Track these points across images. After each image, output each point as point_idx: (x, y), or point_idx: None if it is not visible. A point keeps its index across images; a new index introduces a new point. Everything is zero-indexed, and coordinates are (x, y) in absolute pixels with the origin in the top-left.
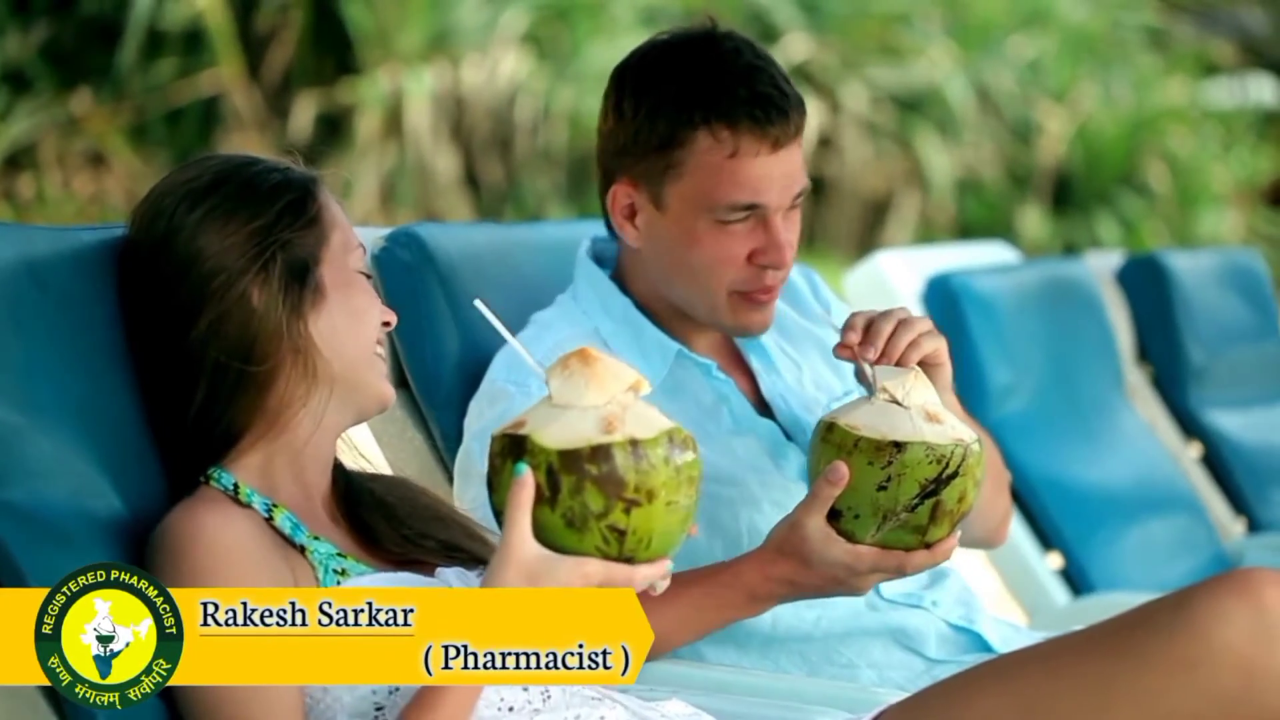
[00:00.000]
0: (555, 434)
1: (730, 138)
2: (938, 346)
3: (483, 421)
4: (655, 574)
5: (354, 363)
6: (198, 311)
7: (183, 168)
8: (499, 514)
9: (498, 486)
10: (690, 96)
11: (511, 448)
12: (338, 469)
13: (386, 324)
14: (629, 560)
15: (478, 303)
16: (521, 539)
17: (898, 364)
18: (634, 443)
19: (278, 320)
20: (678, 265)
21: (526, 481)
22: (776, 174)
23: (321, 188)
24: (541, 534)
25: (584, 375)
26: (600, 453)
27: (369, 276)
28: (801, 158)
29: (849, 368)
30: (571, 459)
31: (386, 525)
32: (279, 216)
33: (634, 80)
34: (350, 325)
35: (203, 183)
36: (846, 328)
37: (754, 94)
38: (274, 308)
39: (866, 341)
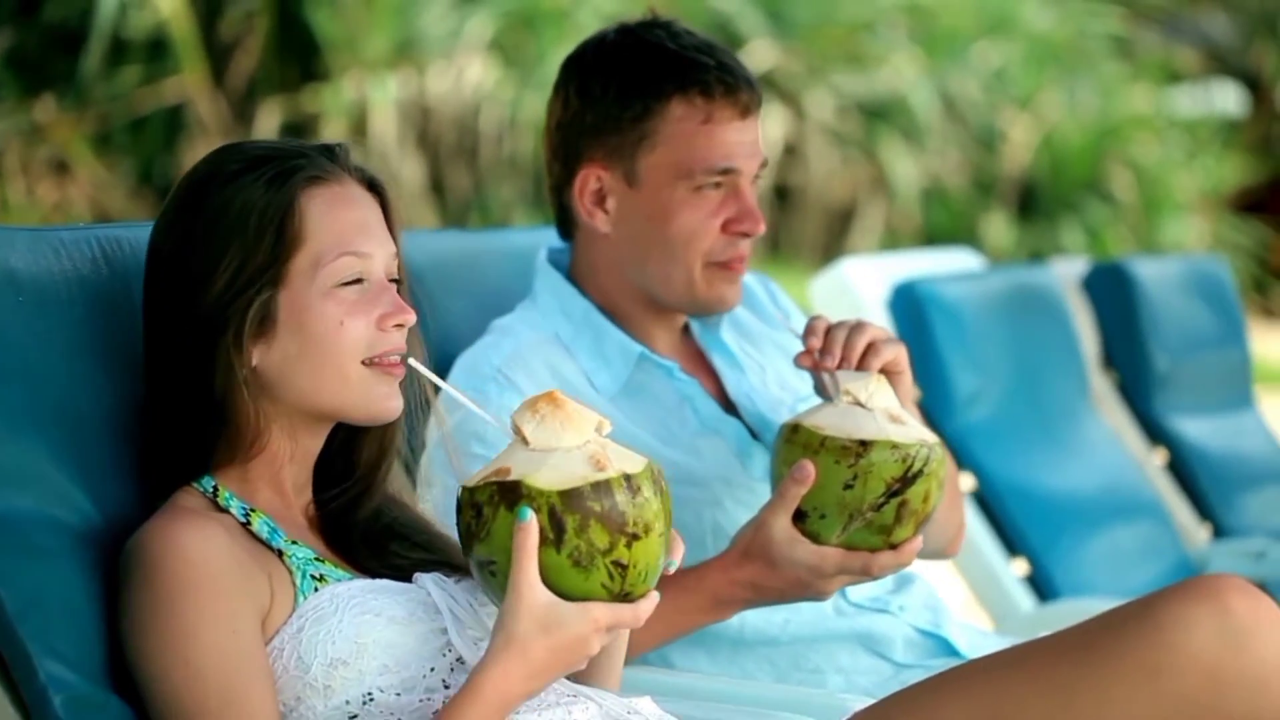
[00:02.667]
0: (549, 476)
1: (704, 104)
2: (897, 354)
3: (443, 429)
4: (651, 607)
5: (314, 390)
6: (171, 348)
7: (195, 170)
8: (484, 563)
9: (487, 535)
10: (661, 68)
11: (503, 494)
12: (353, 488)
13: (399, 325)
14: (626, 596)
15: (411, 361)
16: (531, 586)
17: (858, 368)
18: (627, 478)
19: (226, 356)
20: (653, 241)
21: (532, 526)
22: (746, 140)
23: (305, 196)
24: (545, 576)
25: (558, 418)
26: (600, 489)
27: (398, 281)
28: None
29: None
30: (574, 498)
31: (366, 550)
32: (240, 267)
33: (597, 63)
34: (306, 352)
35: (187, 202)
36: (808, 333)
37: (720, 63)
38: (224, 346)
39: (826, 349)
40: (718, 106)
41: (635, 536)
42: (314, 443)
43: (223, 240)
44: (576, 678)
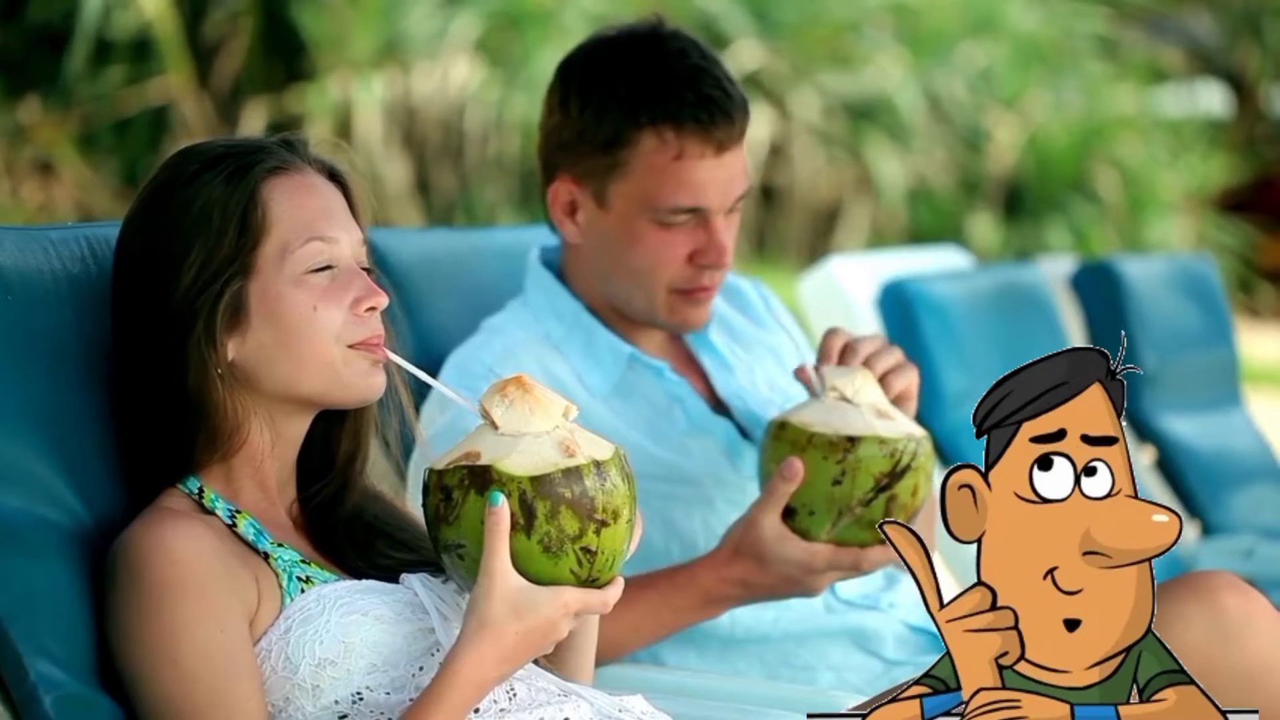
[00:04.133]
0: (520, 461)
1: (675, 140)
2: (911, 380)
3: (435, 428)
4: (618, 593)
5: (296, 377)
6: (142, 348)
7: (147, 181)
8: (451, 546)
9: (456, 519)
10: (637, 97)
11: (473, 479)
12: (333, 480)
13: (372, 309)
14: (593, 581)
15: (389, 353)
16: (504, 570)
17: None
18: (597, 464)
19: (198, 351)
20: (617, 263)
21: (505, 510)
22: (720, 177)
23: (266, 186)
24: (514, 562)
25: (527, 403)
26: (571, 475)
27: (368, 271)
28: (744, 160)
29: None
30: (545, 484)
31: (352, 549)
32: (203, 264)
33: (580, 77)
34: (283, 340)
35: (150, 207)
36: (824, 347)
37: (700, 96)
38: (195, 340)
39: (846, 357)
40: (690, 143)
41: (604, 523)
42: (295, 434)
43: (187, 239)
44: (551, 668)
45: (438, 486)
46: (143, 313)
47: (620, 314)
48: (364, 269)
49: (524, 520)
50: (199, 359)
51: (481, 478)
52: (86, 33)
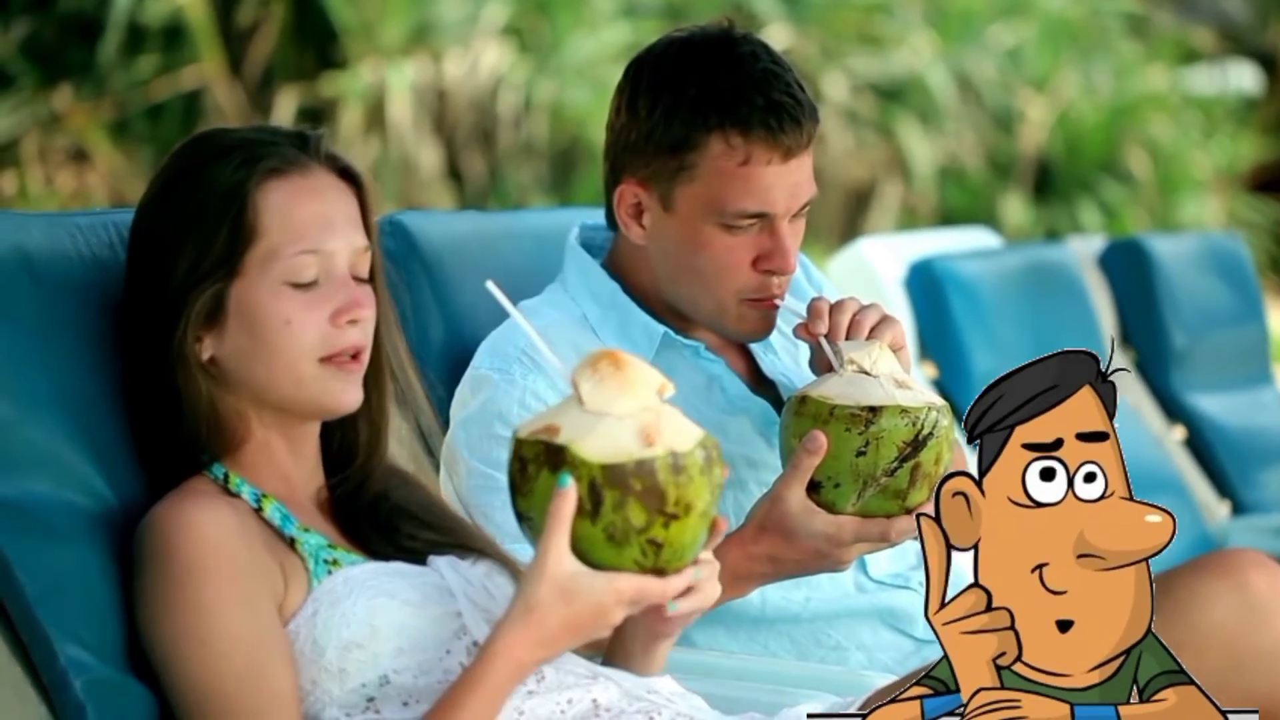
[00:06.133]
0: (596, 446)
1: (743, 145)
2: (897, 332)
3: (467, 410)
4: (684, 583)
5: (271, 383)
6: (140, 340)
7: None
8: (523, 516)
9: (528, 492)
10: (706, 100)
11: (548, 456)
12: (355, 471)
13: (353, 321)
14: (660, 571)
15: (490, 285)
16: (559, 554)
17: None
18: (674, 455)
19: (179, 347)
20: (684, 268)
21: (570, 495)
22: (787, 183)
23: (263, 188)
24: (578, 546)
25: (616, 380)
26: (644, 467)
27: (370, 279)
28: (811, 166)
29: None
30: (616, 473)
31: (379, 533)
32: (199, 257)
33: (650, 78)
34: (257, 347)
35: (160, 192)
36: (813, 314)
37: (769, 101)
38: (176, 335)
39: (834, 326)
40: (757, 149)
41: (674, 516)
42: (303, 431)
43: (184, 231)
44: (620, 665)
45: (516, 455)
46: (140, 306)
47: (682, 316)
48: (364, 279)
49: (590, 506)
50: (180, 355)
51: (556, 457)
52: (118, 20)
